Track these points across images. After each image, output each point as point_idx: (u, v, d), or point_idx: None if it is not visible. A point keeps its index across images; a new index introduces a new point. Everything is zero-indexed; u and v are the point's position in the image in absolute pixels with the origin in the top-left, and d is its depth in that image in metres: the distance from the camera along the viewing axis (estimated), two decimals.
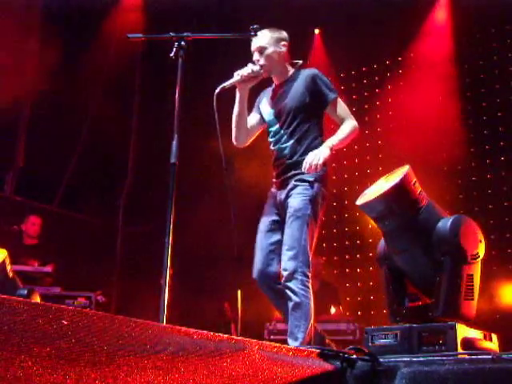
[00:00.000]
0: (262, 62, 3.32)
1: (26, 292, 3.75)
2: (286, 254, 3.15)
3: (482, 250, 3.18)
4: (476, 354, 2.37)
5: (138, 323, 1.59)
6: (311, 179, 3.22)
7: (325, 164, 3.21)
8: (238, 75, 3.23)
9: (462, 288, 3.05)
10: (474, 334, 2.95)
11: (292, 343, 3.08)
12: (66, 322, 1.41)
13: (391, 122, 7.88)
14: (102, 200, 7.83)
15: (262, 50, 3.34)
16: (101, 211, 7.93)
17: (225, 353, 1.74)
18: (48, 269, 5.57)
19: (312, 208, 3.20)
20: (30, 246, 6.04)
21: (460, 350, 2.71)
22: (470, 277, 3.13)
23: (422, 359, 2.34)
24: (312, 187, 3.22)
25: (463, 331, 2.85)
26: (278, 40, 3.41)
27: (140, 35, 3.25)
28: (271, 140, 3.44)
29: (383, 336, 3.07)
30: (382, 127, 7.92)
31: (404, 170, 3.21)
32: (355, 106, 8.15)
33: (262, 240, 3.35)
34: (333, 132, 3.38)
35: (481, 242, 3.20)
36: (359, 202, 3.25)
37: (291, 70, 3.47)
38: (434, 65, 7.54)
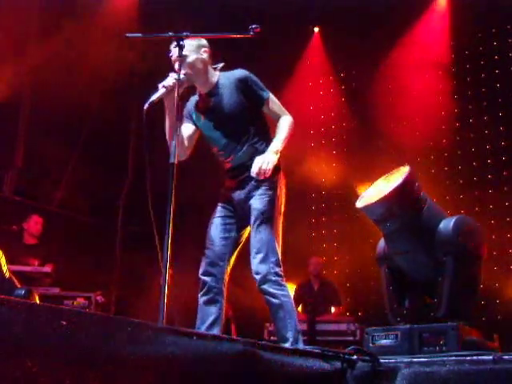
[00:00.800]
0: (184, 71, 3.18)
1: (23, 292, 3.74)
2: (256, 258, 3.14)
3: (483, 251, 3.18)
4: (477, 355, 2.37)
5: (137, 323, 1.58)
6: (272, 178, 3.22)
7: (277, 165, 3.21)
8: (162, 87, 3.11)
9: (464, 288, 3.04)
10: (475, 334, 2.94)
11: (283, 345, 3.05)
12: (64, 323, 1.40)
13: (391, 123, 7.87)
14: (102, 200, 7.82)
15: (182, 60, 3.18)
16: (101, 211, 7.92)
17: (225, 353, 1.73)
18: (47, 269, 5.56)
19: (276, 207, 3.22)
20: (30, 246, 6.04)
21: (461, 350, 2.70)
22: (472, 277, 3.13)
23: (422, 360, 2.33)
24: (273, 186, 3.24)
25: (464, 332, 2.85)
26: (199, 47, 3.31)
27: (139, 34, 3.22)
28: (221, 154, 3.36)
29: (384, 336, 3.06)
30: (382, 127, 7.90)
31: (404, 170, 3.19)
32: (355, 106, 8.17)
33: (215, 234, 3.30)
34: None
35: (482, 242, 3.20)
36: (360, 204, 3.24)
37: (216, 75, 3.36)
38: (434, 64, 7.54)
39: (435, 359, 2.34)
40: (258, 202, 3.20)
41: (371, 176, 6.85)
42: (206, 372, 1.69)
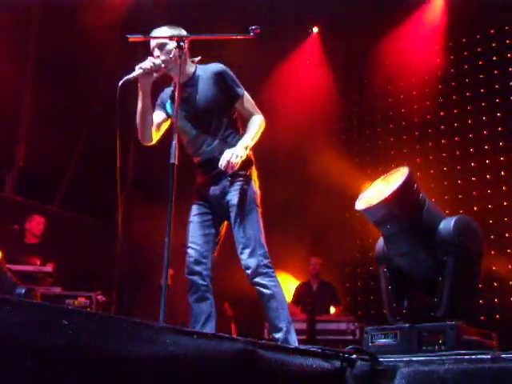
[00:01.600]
0: (162, 57, 3.22)
1: (23, 291, 3.74)
2: (244, 253, 3.18)
3: (483, 250, 3.19)
4: (476, 354, 2.38)
5: (137, 323, 1.59)
6: (245, 173, 3.26)
7: (249, 159, 3.27)
8: (139, 68, 3.14)
9: (464, 287, 3.05)
10: (474, 333, 2.95)
11: (277, 335, 3.12)
12: (66, 322, 1.41)
13: (390, 123, 7.88)
14: (102, 200, 7.83)
15: (162, 47, 3.23)
16: (101, 211, 7.92)
17: (225, 352, 1.74)
18: (48, 268, 5.57)
19: (254, 200, 3.26)
20: (31, 245, 6.04)
21: (460, 349, 2.71)
22: (472, 276, 3.14)
23: (421, 359, 2.35)
24: (248, 180, 3.27)
25: (463, 331, 2.86)
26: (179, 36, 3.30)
27: (140, 35, 3.22)
28: (191, 145, 3.37)
29: (383, 336, 3.08)
30: (382, 127, 7.92)
31: (404, 172, 3.19)
32: (355, 106, 8.19)
33: (195, 232, 3.31)
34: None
35: (482, 242, 3.21)
36: (360, 206, 3.24)
37: (192, 67, 3.36)
38: (433, 65, 7.55)
39: (434, 358, 2.35)
40: (235, 198, 3.23)
41: (371, 176, 6.90)
42: (206, 371, 1.69)
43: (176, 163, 2.84)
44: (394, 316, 3.25)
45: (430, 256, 3.14)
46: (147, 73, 3.15)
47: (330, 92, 8.36)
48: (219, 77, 3.31)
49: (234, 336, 2.00)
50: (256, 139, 3.29)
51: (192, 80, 3.34)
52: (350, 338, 5.71)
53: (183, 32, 3.32)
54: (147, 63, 3.16)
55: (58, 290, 5.30)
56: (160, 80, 3.34)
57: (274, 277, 3.21)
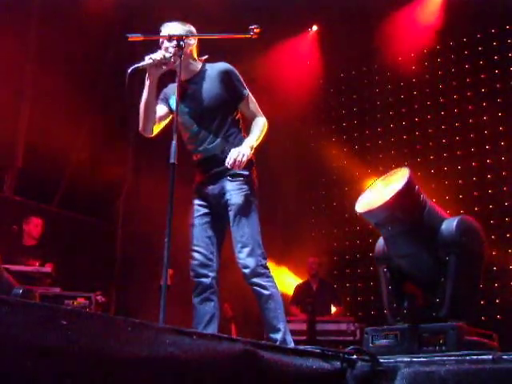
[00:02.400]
0: (171, 50, 3.21)
1: (20, 291, 3.72)
2: (243, 252, 3.17)
3: (484, 250, 3.19)
4: (476, 355, 2.37)
5: (137, 323, 1.59)
6: (245, 173, 3.26)
7: (251, 160, 3.26)
8: (149, 59, 3.16)
9: (466, 288, 3.05)
10: (475, 334, 2.94)
11: (275, 335, 3.11)
12: (65, 322, 1.40)
13: (390, 123, 7.88)
14: (102, 200, 7.83)
15: (171, 41, 3.24)
16: (101, 211, 7.92)
17: (225, 353, 1.73)
18: (47, 269, 5.55)
19: (253, 201, 3.26)
20: (29, 247, 6.03)
21: (460, 350, 2.71)
22: (474, 276, 3.14)
23: (422, 360, 2.34)
24: (248, 180, 3.27)
25: (464, 331, 2.85)
26: (189, 32, 3.33)
27: (139, 35, 3.22)
28: (191, 142, 3.37)
29: (383, 336, 3.07)
30: (383, 127, 7.91)
31: (404, 173, 3.18)
32: (355, 106, 8.18)
33: (198, 235, 3.30)
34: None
35: (483, 242, 3.21)
36: (360, 209, 3.23)
37: (198, 65, 3.39)
38: (433, 65, 7.55)
39: (435, 359, 2.34)
40: (235, 198, 3.22)
41: (371, 176, 6.90)
42: (206, 372, 1.69)
43: (176, 163, 2.84)
44: (394, 316, 3.24)
45: (431, 257, 3.14)
46: (156, 64, 3.17)
47: (330, 92, 8.38)
48: (225, 75, 3.32)
49: (234, 337, 2.00)
50: (259, 141, 3.30)
51: (197, 77, 3.35)
52: (351, 338, 5.71)
53: (192, 29, 3.36)
54: (158, 54, 3.18)
55: (57, 290, 5.29)
56: (165, 76, 3.34)
57: (272, 277, 3.22)
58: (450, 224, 3.11)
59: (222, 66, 3.37)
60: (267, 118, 3.40)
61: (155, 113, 3.35)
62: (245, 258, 3.16)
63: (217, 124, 3.30)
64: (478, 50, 7.29)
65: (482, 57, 7.25)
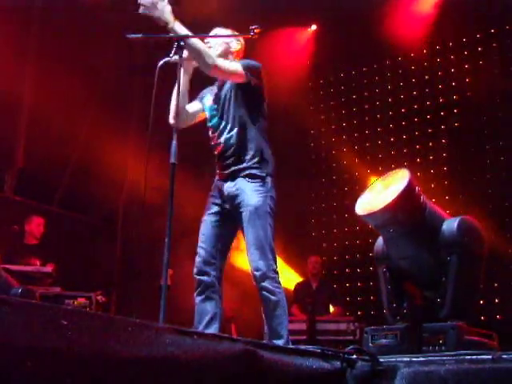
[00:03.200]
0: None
1: (19, 291, 3.71)
2: (256, 254, 3.13)
3: (485, 250, 3.19)
4: (476, 355, 2.37)
5: (137, 323, 1.59)
6: (263, 175, 3.24)
7: (268, 160, 3.27)
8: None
9: (467, 287, 3.05)
10: (475, 334, 2.95)
11: (278, 342, 3.08)
12: (65, 322, 1.40)
13: (390, 123, 7.87)
14: (102, 200, 7.83)
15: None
16: (101, 211, 7.92)
17: (225, 353, 1.74)
18: (48, 269, 5.56)
19: (269, 204, 3.22)
20: (31, 246, 6.04)
21: (460, 350, 2.71)
22: (475, 276, 3.14)
23: (422, 359, 2.34)
24: (265, 183, 3.24)
25: (464, 331, 2.85)
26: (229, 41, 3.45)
27: (139, 35, 3.22)
28: (213, 135, 3.42)
29: (383, 336, 3.07)
30: (383, 127, 7.91)
31: (405, 175, 3.18)
32: (355, 106, 8.18)
33: (207, 232, 3.30)
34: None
35: (484, 242, 3.21)
36: (361, 212, 3.22)
37: None
38: (433, 64, 7.55)
39: (435, 359, 2.34)
40: (250, 198, 3.19)
41: (371, 176, 6.90)
42: (206, 372, 1.69)
43: (176, 163, 2.83)
44: (394, 316, 3.25)
45: (432, 257, 3.14)
46: (187, 58, 3.17)
47: (330, 92, 8.38)
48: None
49: (235, 337, 2.00)
50: (195, 48, 3.13)
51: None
52: (351, 338, 5.70)
53: (231, 33, 3.44)
54: None
55: (57, 290, 5.30)
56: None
57: (280, 283, 3.18)
58: (451, 224, 3.12)
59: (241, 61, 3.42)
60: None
61: (185, 106, 3.40)
62: (257, 261, 3.13)
63: (233, 114, 3.32)
64: (477, 51, 7.28)
65: (481, 57, 7.24)
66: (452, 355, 2.49)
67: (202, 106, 3.49)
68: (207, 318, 3.20)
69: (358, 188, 6.56)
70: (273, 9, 6.87)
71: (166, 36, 3.21)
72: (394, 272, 3.32)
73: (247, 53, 3.59)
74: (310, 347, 2.27)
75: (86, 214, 7.66)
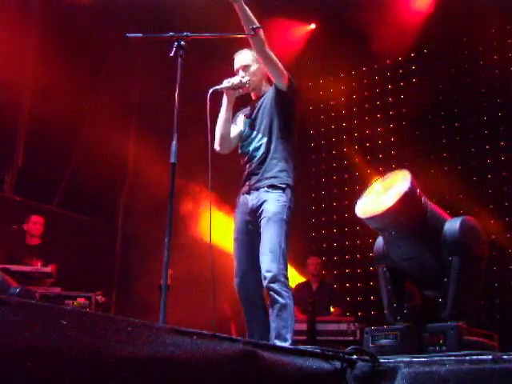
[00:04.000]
0: (247, 77, 3.48)
1: (17, 290, 3.71)
2: (268, 256, 3.20)
3: (486, 251, 3.19)
4: (477, 355, 2.37)
5: (137, 323, 1.59)
6: (283, 186, 3.38)
7: (290, 173, 3.45)
8: (228, 82, 3.39)
9: (468, 288, 3.05)
10: (475, 334, 2.94)
11: (281, 344, 3.09)
12: (64, 322, 1.40)
13: (391, 122, 7.87)
14: (102, 200, 7.83)
15: (245, 68, 3.52)
16: (101, 211, 7.92)
17: (225, 353, 1.73)
18: (48, 269, 5.55)
19: (287, 214, 3.33)
20: (32, 246, 6.03)
21: (461, 350, 2.71)
22: (476, 277, 3.14)
23: (422, 360, 2.34)
24: (285, 194, 3.38)
25: (464, 331, 2.85)
26: (254, 57, 3.53)
27: (139, 34, 3.22)
28: (243, 143, 3.57)
29: (384, 336, 3.07)
30: (383, 127, 7.91)
31: (406, 177, 3.16)
32: (356, 106, 8.17)
33: (240, 250, 3.42)
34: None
35: (485, 243, 3.21)
36: (363, 214, 3.21)
37: (269, 87, 3.58)
38: (433, 65, 7.54)
39: (435, 359, 2.34)
40: (270, 205, 3.31)
41: (371, 176, 6.89)
42: (206, 372, 1.69)
43: (176, 162, 2.84)
44: (394, 316, 3.24)
45: (434, 258, 3.13)
46: (234, 87, 3.42)
47: (329, 93, 8.38)
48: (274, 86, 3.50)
49: (235, 337, 2.00)
50: (248, 14, 3.26)
51: (263, 96, 3.56)
52: (351, 338, 5.70)
53: (252, 56, 3.56)
54: (236, 79, 3.44)
55: (57, 290, 5.29)
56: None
57: (289, 288, 3.25)
58: (453, 225, 3.11)
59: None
60: None
61: (229, 132, 3.54)
62: (269, 263, 3.19)
63: (264, 126, 3.46)
64: (477, 51, 7.27)
65: (480, 57, 7.24)
66: (452, 355, 2.49)
67: (237, 126, 3.61)
68: (260, 332, 3.32)
69: (358, 188, 6.56)
70: (272, 9, 6.88)
71: (165, 36, 3.22)
72: (394, 272, 3.31)
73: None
74: (310, 347, 2.27)
75: (86, 213, 7.65)
